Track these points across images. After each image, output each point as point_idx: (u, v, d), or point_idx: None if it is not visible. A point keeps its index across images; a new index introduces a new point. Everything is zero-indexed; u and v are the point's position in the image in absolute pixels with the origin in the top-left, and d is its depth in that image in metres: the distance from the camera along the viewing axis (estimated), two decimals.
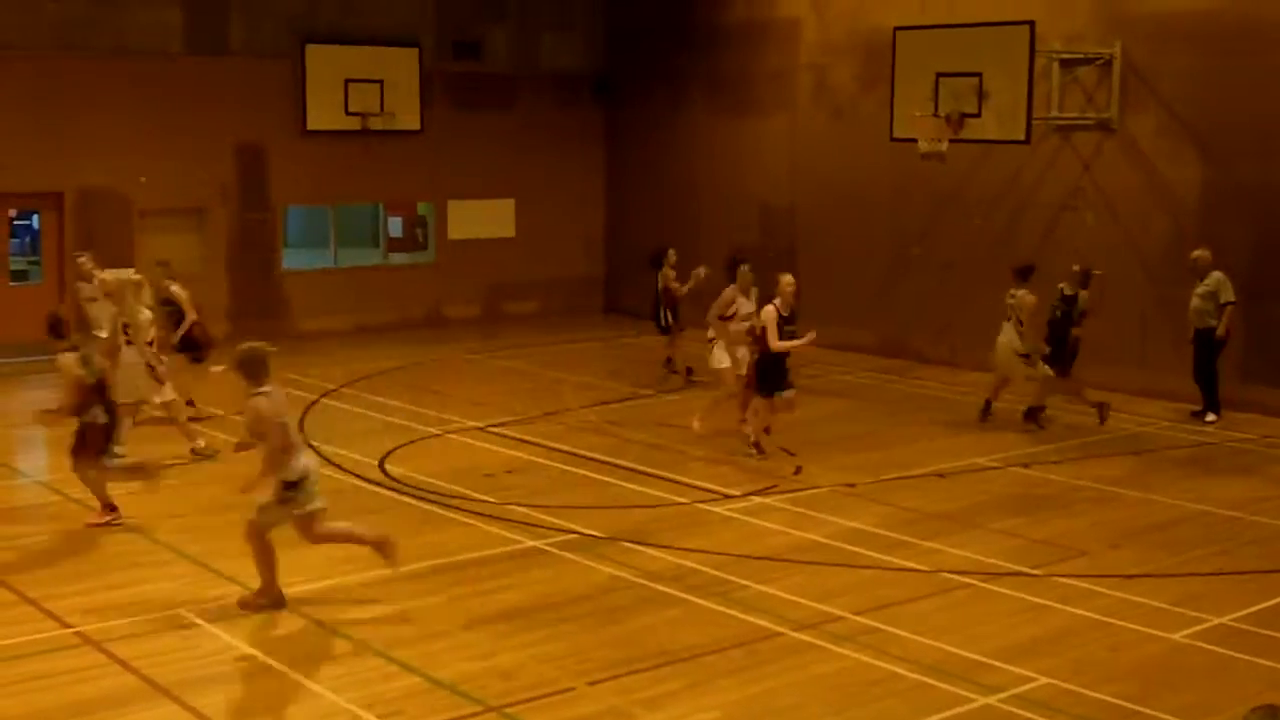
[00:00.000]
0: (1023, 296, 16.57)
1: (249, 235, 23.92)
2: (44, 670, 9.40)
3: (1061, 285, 16.88)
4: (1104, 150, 19.42)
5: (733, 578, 11.39)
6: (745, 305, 16.18)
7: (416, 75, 24.82)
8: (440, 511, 13.35)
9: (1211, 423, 17.03)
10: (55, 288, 22.25)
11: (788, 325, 15.05)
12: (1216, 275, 17.05)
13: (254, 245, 23.99)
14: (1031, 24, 18.37)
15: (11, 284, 21.93)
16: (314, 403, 18.20)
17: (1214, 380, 17.31)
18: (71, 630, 10.12)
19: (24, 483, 14.82)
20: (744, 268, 16.48)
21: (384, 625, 10.29)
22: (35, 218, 22.66)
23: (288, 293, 24.31)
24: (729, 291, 16.39)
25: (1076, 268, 16.90)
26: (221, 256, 23.67)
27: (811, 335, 15.08)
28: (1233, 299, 16.97)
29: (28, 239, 22.89)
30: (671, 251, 19.84)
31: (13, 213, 22.33)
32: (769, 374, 15.05)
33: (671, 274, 19.69)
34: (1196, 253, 17.24)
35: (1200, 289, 17.15)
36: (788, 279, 15.28)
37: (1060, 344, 16.72)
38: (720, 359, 16.38)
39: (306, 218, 27.93)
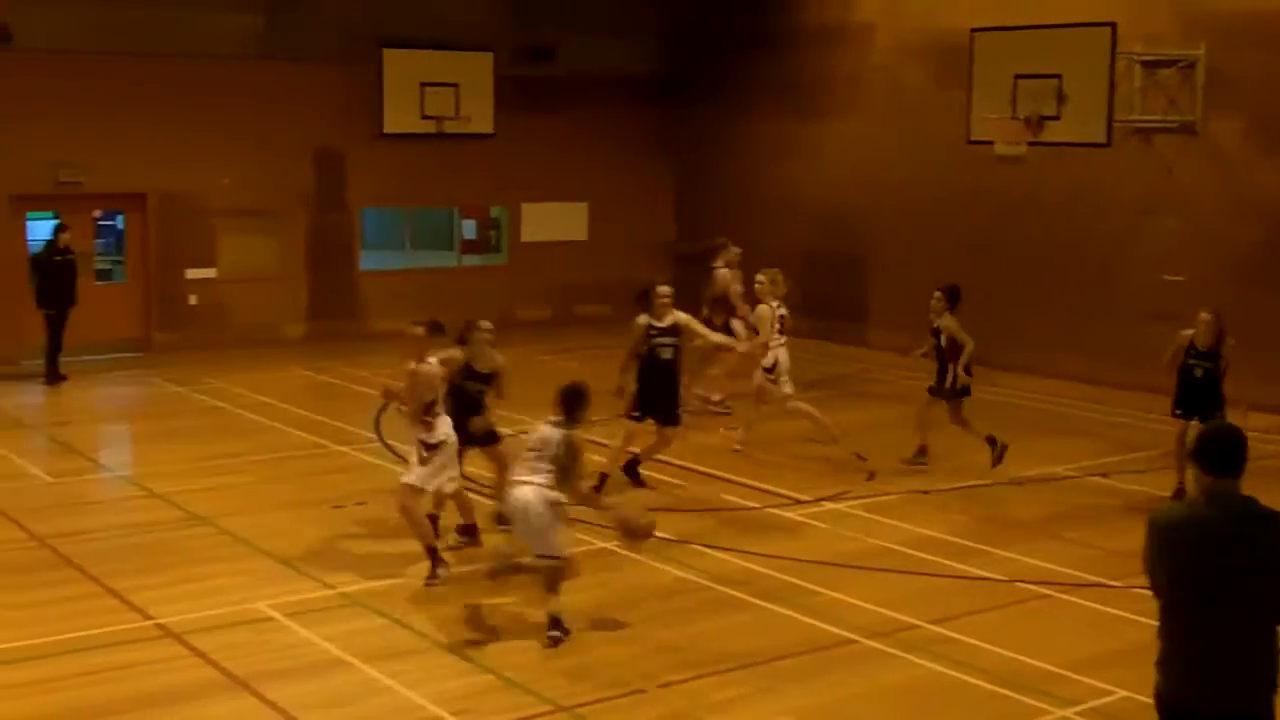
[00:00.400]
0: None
1: (327, 237, 24.13)
2: (125, 661, 9.55)
3: (1189, 333, 14.12)
4: (1187, 154, 19.18)
5: (803, 583, 11.34)
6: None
7: (490, 79, 24.94)
8: None
9: None
10: (140, 287, 22.55)
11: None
12: None
13: (332, 247, 24.20)
14: (1113, 25, 18.19)
15: (96, 283, 22.22)
16: (388, 404, 18.26)
17: None
18: (152, 622, 10.25)
19: (108, 477, 15.02)
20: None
21: (456, 623, 10.34)
22: (120, 218, 22.96)
23: (364, 293, 24.51)
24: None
25: (1207, 315, 14.00)
26: (301, 258, 23.91)
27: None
28: None
29: (112, 239, 23.20)
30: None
31: (98, 213, 22.63)
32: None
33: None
34: None
35: None
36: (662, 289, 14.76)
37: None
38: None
39: (382, 220, 28.11)
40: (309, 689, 9.11)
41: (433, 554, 11.24)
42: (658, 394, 14.26)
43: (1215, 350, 13.89)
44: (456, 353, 12.26)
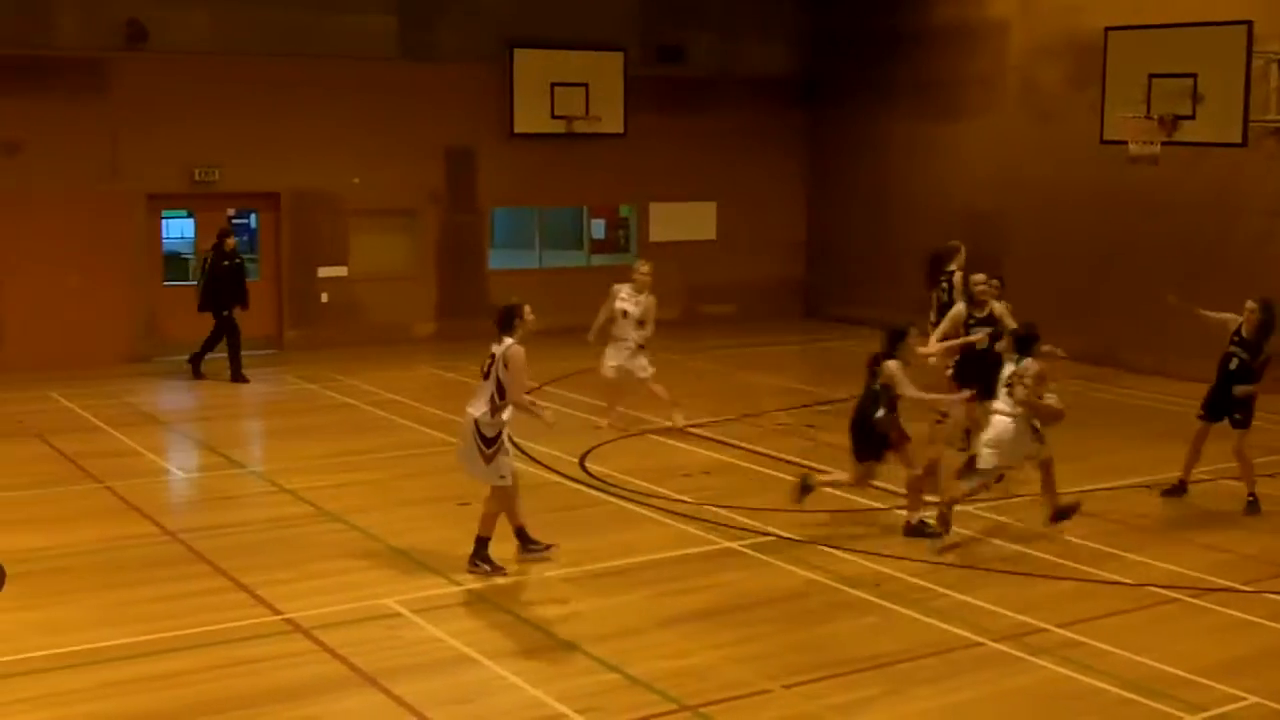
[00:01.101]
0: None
1: (458, 236, 24.43)
2: (254, 655, 9.72)
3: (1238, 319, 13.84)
4: None
5: (930, 585, 11.28)
6: None
7: (620, 79, 25.06)
8: (638, 510, 13.48)
9: None
10: (273, 285, 22.99)
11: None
12: None
13: (462, 246, 24.50)
14: (1249, 24, 17.85)
15: None
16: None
17: None
18: (281, 617, 10.45)
19: (240, 473, 15.34)
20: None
21: (581, 621, 10.43)
22: (253, 217, 23.42)
23: (494, 292, 24.73)
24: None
25: (1252, 304, 13.68)
26: (431, 257, 24.23)
27: None
28: None
29: (245, 238, 23.65)
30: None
31: (231, 212, 23.09)
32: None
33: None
34: None
35: None
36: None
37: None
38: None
39: (513, 219, 28.36)
40: (435, 685, 9.24)
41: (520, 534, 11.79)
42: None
43: (1257, 343, 13.62)
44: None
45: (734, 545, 12.31)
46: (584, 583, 11.29)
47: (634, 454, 15.76)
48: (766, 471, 14.99)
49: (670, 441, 16.38)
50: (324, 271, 23.34)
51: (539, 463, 15.09)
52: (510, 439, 11.60)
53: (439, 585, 11.18)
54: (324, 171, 22.98)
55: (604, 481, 14.46)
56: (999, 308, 15.05)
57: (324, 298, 23.37)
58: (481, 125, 24.21)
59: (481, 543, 11.48)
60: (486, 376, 11.38)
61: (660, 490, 14.10)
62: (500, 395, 11.30)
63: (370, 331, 23.45)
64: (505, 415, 11.37)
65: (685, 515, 13.23)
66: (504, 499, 11.58)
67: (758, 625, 10.39)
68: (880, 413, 12.57)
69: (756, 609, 10.73)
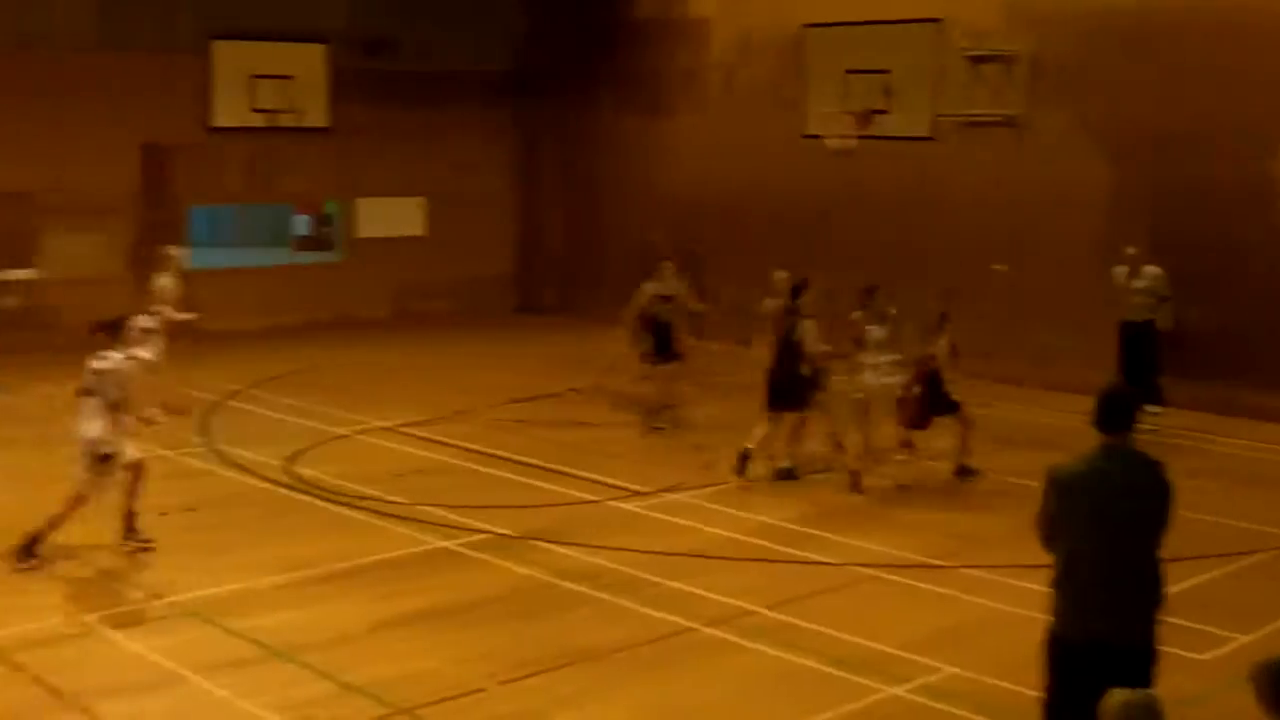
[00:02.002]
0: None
1: (155, 235, 23.56)
2: None
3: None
4: (1011, 147, 19.62)
5: (645, 575, 11.40)
6: None
7: (325, 72, 24.63)
8: (350, 514, 13.24)
9: (1157, 414, 17.00)
10: None
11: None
12: (1153, 270, 17.19)
13: (160, 244, 23.61)
14: (939, 21, 18.54)
15: None
16: (219, 404, 18.00)
17: (1155, 372, 17.34)
18: None
19: None
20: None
21: (293, 630, 10.19)
22: None
23: (194, 292, 23.95)
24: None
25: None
26: (127, 256, 23.32)
27: None
28: (1169, 293, 17.16)
29: None
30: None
31: None
32: None
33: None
34: (1132, 249, 17.32)
35: (1138, 284, 17.25)
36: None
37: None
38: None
39: (213, 217, 27.59)
40: (142, 705, 8.91)
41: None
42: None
43: None
44: None
45: (449, 545, 12.22)
46: (296, 590, 11.04)
47: (344, 457, 15.47)
48: (481, 469, 14.93)
49: (382, 443, 16.16)
50: (10, 274, 22.27)
51: (243, 468, 14.71)
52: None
53: (141, 600, 10.79)
54: (14, 167, 21.84)
55: (314, 485, 14.17)
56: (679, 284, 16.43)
57: (10, 301, 22.27)
58: (180, 120, 23.44)
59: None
60: (90, 393, 11.16)
61: (372, 492, 13.88)
62: (119, 409, 11.22)
63: (62, 336, 22.44)
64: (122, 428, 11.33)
65: (399, 517, 13.06)
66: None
67: (475, 625, 10.34)
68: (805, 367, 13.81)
69: (474, 608, 10.68)
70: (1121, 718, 5.27)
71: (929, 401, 14.25)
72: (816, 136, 19.87)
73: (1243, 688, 5.58)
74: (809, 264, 21.76)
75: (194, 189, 23.96)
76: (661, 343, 16.62)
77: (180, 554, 11.89)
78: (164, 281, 17.69)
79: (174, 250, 18.69)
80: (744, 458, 14.17)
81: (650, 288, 16.53)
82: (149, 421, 12.18)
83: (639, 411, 16.83)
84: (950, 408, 14.33)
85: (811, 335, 14.06)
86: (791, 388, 14.05)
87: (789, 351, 14.06)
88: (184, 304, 17.97)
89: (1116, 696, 5.35)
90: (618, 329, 17.17)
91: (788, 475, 14.37)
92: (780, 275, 15.77)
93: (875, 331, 14.36)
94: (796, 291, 14.37)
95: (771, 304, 15.60)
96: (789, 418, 14.25)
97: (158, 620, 10.42)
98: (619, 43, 24.91)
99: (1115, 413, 6.59)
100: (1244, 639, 9.93)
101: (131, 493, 11.69)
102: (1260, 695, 5.44)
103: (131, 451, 11.57)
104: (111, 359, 11.42)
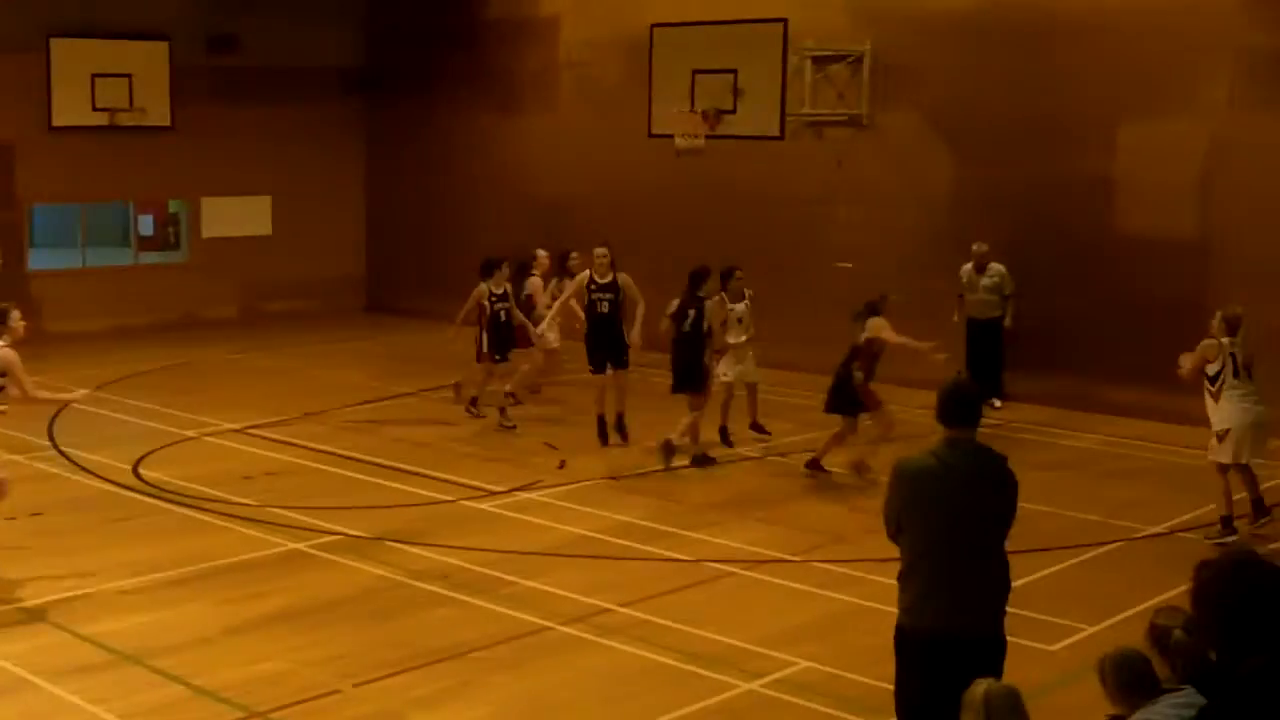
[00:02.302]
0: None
1: None
2: None
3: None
4: (856, 146, 19.95)
5: (500, 574, 11.42)
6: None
7: (167, 69, 24.21)
8: (199, 516, 13.06)
9: (999, 408, 17.49)
10: None
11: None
12: (999, 268, 17.70)
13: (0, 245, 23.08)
14: (785, 21, 18.77)
15: None
16: (65, 406, 17.61)
17: (1000, 367, 17.88)
18: None
19: None
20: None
21: (143, 634, 10.04)
22: None
23: (36, 293, 23.41)
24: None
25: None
26: None
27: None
28: (1013, 290, 17.64)
29: None
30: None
31: None
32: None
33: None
34: (979, 246, 17.78)
35: (985, 281, 17.74)
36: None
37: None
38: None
39: (54, 216, 27.00)
40: None
41: None
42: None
43: None
44: None
45: (301, 547, 12.12)
46: (146, 594, 10.87)
47: (193, 459, 15.24)
48: (332, 470, 14.81)
49: (231, 444, 15.96)
50: None
51: (89, 471, 14.44)
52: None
53: None
54: None
55: (160, 488, 13.95)
56: (623, 277, 16.26)
57: None
58: (20, 118, 22.87)
59: None
60: None
61: (220, 495, 13.70)
62: None
63: None
64: None
65: (249, 519, 12.91)
66: None
67: (330, 626, 10.27)
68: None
69: (328, 610, 10.61)
70: (984, 707, 5.41)
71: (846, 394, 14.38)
72: (666, 135, 19.99)
73: (1092, 678, 5.78)
74: (663, 261, 22.03)
75: (35, 188, 23.42)
76: (499, 341, 16.67)
77: (28, 558, 11.66)
78: None
79: None
80: (668, 449, 14.72)
81: (484, 288, 16.58)
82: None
83: (491, 409, 16.82)
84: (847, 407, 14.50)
85: (717, 319, 15.00)
86: (696, 372, 14.80)
87: (693, 339, 14.81)
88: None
89: (979, 686, 5.49)
90: (448, 328, 17.19)
91: (704, 461, 15.00)
92: (600, 252, 16.21)
93: (738, 309, 15.31)
94: (697, 280, 14.98)
95: (579, 279, 16.42)
96: (695, 400, 14.87)
97: (5, 626, 10.18)
98: (470, 41, 24.82)
99: (959, 407, 6.66)
100: (1092, 629, 10.17)
101: None
102: (1105, 683, 5.64)
103: None
104: None
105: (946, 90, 19.11)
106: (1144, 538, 12.70)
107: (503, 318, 16.64)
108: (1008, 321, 17.80)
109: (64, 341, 22.24)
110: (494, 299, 16.57)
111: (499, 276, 16.73)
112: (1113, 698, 5.61)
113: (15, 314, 11.16)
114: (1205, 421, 12.60)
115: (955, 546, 6.62)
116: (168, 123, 24.24)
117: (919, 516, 6.66)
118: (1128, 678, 5.54)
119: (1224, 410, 12.36)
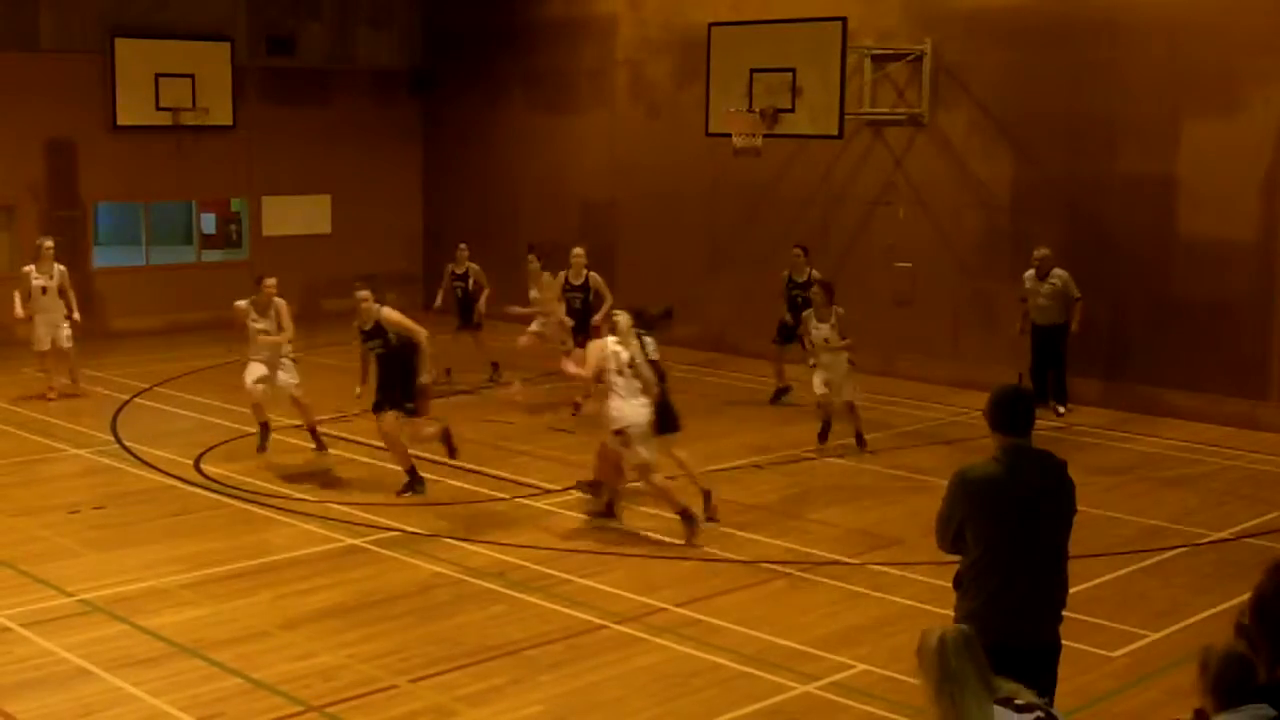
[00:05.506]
0: None
1: (58, 232, 23.23)
2: None
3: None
4: (915, 145, 19.88)
5: (554, 572, 11.45)
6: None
7: (229, 70, 24.43)
8: (259, 511, 13.19)
9: (1064, 414, 17.37)
10: None
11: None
12: (1061, 273, 17.47)
13: (64, 243, 23.33)
14: (844, 20, 18.71)
15: None
16: (127, 402, 17.83)
17: (1063, 373, 17.70)
18: None
19: None
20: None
21: (202, 626, 10.14)
22: None
23: (99, 291, 23.73)
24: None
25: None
26: (31, 254, 22.96)
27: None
28: (1080, 295, 17.46)
29: None
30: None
31: None
32: None
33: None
34: (1041, 251, 17.56)
35: (1046, 287, 17.51)
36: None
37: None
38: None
39: (118, 215, 27.30)
40: (52, 702, 8.81)
41: None
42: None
43: None
44: None
45: (358, 542, 12.20)
46: (205, 587, 10.98)
47: (252, 455, 15.37)
48: (390, 467, 14.86)
49: (290, 439, 16.07)
50: None
51: (151, 466, 14.59)
52: None
53: (50, 597, 10.68)
54: None
55: (221, 483, 14.08)
56: (594, 276, 17.74)
57: None
58: (84, 118, 23.18)
59: None
60: None
61: (281, 490, 13.83)
62: None
63: None
64: None
65: (307, 514, 13.02)
66: None
67: (385, 621, 10.33)
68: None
69: (383, 605, 10.67)
70: (937, 653, 5.20)
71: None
72: (723, 135, 19.94)
73: (1153, 684, 5.66)
74: (718, 261, 22.04)
75: (98, 187, 23.69)
76: (464, 315, 19.65)
77: (89, 551, 11.81)
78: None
79: (48, 241, 18.89)
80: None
81: (448, 268, 19.80)
82: None
83: (514, 376, 18.49)
84: None
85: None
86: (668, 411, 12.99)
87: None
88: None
89: (931, 635, 5.27)
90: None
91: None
92: (577, 252, 17.73)
93: (823, 330, 15.49)
94: (650, 318, 13.03)
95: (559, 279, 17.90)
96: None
97: (68, 618, 10.30)
98: (526, 41, 24.91)
99: (1017, 414, 6.59)
100: (1154, 636, 10.05)
101: None
102: (1203, 675, 5.41)
103: None
104: None
105: (1005, 90, 19.00)
106: (1208, 543, 12.56)
107: (459, 295, 19.63)
108: (1074, 326, 17.54)
109: (126, 338, 22.50)
110: (454, 278, 19.67)
111: (460, 257, 19.61)
112: (1205, 692, 5.41)
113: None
114: (1271, 427, 12.41)
115: (1024, 554, 6.53)
116: (229, 122, 24.46)
117: (988, 525, 6.53)
118: (1230, 677, 5.29)
119: None
